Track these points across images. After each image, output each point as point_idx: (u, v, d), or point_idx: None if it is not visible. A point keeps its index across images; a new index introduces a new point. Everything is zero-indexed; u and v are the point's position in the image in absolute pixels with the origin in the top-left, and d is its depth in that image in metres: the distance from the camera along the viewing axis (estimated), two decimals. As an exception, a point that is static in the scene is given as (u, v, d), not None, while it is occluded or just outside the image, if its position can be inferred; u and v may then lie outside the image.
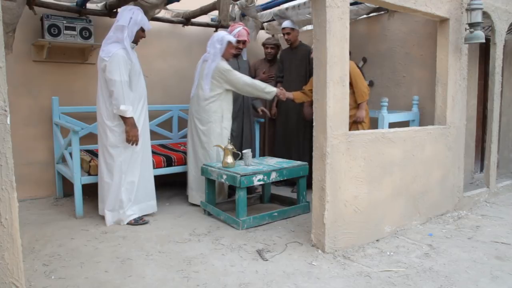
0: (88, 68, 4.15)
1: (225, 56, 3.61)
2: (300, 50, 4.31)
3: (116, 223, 3.17)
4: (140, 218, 3.21)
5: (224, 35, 3.58)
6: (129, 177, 3.16)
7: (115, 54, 2.98)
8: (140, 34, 3.19)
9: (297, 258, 2.50)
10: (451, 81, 3.34)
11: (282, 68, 4.46)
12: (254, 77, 4.38)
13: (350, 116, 3.82)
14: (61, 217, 3.37)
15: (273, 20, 4.82)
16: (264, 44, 4.60)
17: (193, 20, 4.61)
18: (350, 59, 3.59)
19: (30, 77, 3.87)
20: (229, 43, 3.57)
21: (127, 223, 3.15)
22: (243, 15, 4.54)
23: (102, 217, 3.32)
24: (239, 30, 3.80)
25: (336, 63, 2.50)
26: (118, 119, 3.08)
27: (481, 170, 4.68)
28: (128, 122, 3.05)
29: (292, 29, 4.25)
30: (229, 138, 3.60)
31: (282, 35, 5.32)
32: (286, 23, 4.29)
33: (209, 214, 3.42)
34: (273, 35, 5.22)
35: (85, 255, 2.56)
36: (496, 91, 3.82)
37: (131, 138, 3.07)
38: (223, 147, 3.35)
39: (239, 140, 3.96)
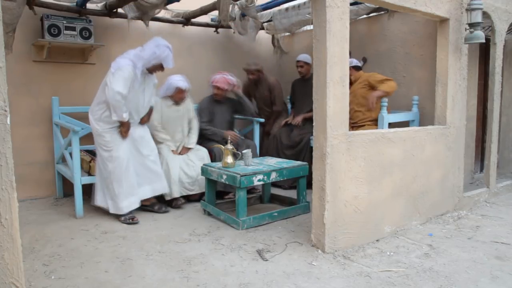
0: (88, 68, 4.15)
1: (174, 98, 3.83)
2: (312, 82, 4.37)
3: (107, 208, 3.29)
4: (131, 217, 3.21)
5: (172, 81, 3.74)
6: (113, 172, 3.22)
7: (124, 66, 3.07)
8: (157, 67, 3.27)
9: (297, 258, 2.50)
10: (451, 81, 3.34)
11: (293, 97, 4.77)
12: (250, 98, 4.76)
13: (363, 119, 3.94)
14: (61, 217, 3.37)
15: (271, 20, 4.85)
16: (245, 70, 4.71)
17: (193, 20, 4.62)
18: (351, 58, 3.67)
19: (30, 77, 3.87)
20: (178, 88, 3.74)
21: (121, 220, 3.20)
22: (243, 15, 4.54)
23: (102, 217, 3.33)
24: (216, 77, 4.07)
25: (336, 63, 2.50)
26: (102, 120, 3.21)
27: (481, 170, 4.68)
28: (124, 127, 3.22)
29: (306, 63, 4.45)
30: (229, 138, 3.61)
31: (281, 36, 5.36)
32: (302, 56, 4.48)
33: (209, 214, 3.42)
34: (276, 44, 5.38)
35: (85, 255, 2.56)
36: (496, 91, 3.82)
37: (124, 134, 3.23)
38: (223, 147, 3.36)
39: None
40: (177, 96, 3.81)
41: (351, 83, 4.05)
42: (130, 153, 3.29)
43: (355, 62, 4.07)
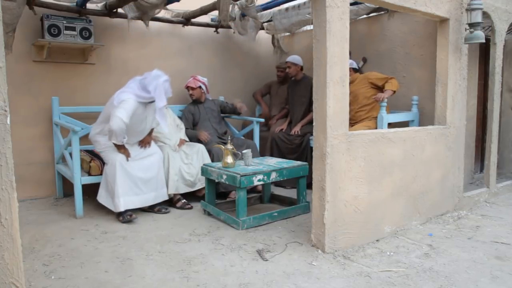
0: (88, 68, 4.15)
1: None
2: (303, 83, 4.60)
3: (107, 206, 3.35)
4: (129, 214, 3.22)
5: None
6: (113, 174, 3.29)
7: (127, 99, 3.17)
8: None
9: (297, 258, 2.50)
10: (451, 81, 3.34)
11: (288, 99, 4.82)
12: (265, 95, 5.18)
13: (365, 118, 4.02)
14: (61, 217, 3.37)
15: (271, 20, 4.86)
16: (276, 67, 5.04)
17: (193, 20, 4.62)
18: (350, 59, 3.68)
19: (30, 77, 3.87)
20: None
21: (121, 220, 3.20)
22: (243, 15, 4.54)
23: (102, 217, 3.34)
24: (188, 80, 4.38)
25: (336, 63, 2.50)
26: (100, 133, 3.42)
27: (481, 170, 4.68)
28: (118, 147, 3.33)
29: (294, 64, 4.52)
30: (229, 138, 3.62)
31: (281, 36, 5.37)
32: (290, 57, 4.58)
33: (209, 214, 3.42)
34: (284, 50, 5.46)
35: (85, 255, 2.56)
36: (496, 91, 3.82)
37: (125, 154, 3.35)
38: (223, 147, 3.36)
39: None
40: None
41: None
42: (132, 161, 3.34)
43: (355, 64, 4.11)
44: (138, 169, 3.35)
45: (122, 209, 3.22)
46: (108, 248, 2.67)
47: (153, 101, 3.33)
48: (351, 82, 4.06)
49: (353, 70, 4.10)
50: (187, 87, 4.37)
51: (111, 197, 3.31)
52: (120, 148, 3.31)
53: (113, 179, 3.24)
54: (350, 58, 3.77)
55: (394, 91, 3.79)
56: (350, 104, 4.04)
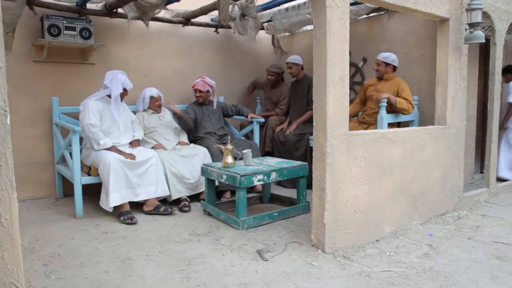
0: (88, 68, 4.15)
1: (151, 108, 4.15)
2: (303, 83, 4.60)
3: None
4: (129, 217, 3.21)
5: (145, 93, 4.13)
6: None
7: (87, 102, 3.45)
8: (123, 93, 3.60)
9: (297, 258, 2.50)
10: (451, 81, 3.34)
11: (289, 100, 4.83)
12: (253, 89, 5.27)
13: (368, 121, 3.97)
14: (61, 217, 3.37)
15: (271, 20, 4.87)
16: (266, 70, 4.97)
17: (193, 20, 4.62)
18: (350, 59, 3.66)
19: (30, 77, 3.87)
20: (151, 97, 4.13)
21: (121, 221, 3.20)
22: (243, 15, 4.54)
23: (102, 217, 3.34)
24: (195, 81, 4.34)
25: (336, 63, 2.49)
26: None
27: (481, 170, 4.68)
28: (112, 151, 3.40)
29: (295, 64, 4.53)
30: (229, 138, 3.62)
31: (281, 36, 5.37)
32: (290, 58, 4.60)
33: (209, 214, 3.42)
34: (283, 51, 5.48)
35: (85, 255, 2.56)
36: (496, 91, 3.82)
37: (126, 156, 3.42)
38: (223, 147, 3.36)
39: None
40: (154, 105, 4.12)
41: (381, 79, 3.95)
42: (124, 161, 3.35)
43: (397, 62, 3.94)
44: (133, 167, 3.38)
45: (111, 204, 3.23)
46: (108, 248, 2.67)
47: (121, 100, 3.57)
48: (385, 79, 3.92)
49: (393, 68, 3.91)
50: (195, 89, 4.33)
51: (106, 195, 3.30)
52: (112, 149, 3.40)
53: (106, 176, 3.25)
54: (350, 58, 3.73)
55: (397, 107, 3.68)
56: (369, 102, 3.96)
